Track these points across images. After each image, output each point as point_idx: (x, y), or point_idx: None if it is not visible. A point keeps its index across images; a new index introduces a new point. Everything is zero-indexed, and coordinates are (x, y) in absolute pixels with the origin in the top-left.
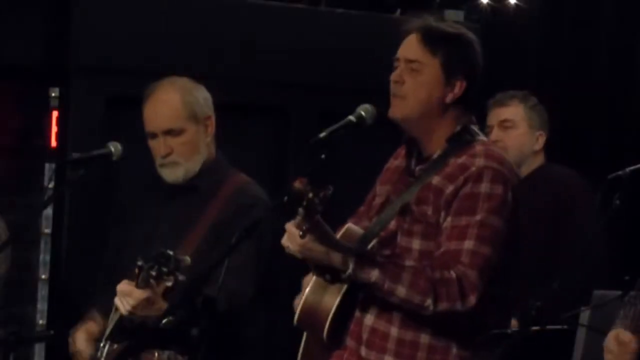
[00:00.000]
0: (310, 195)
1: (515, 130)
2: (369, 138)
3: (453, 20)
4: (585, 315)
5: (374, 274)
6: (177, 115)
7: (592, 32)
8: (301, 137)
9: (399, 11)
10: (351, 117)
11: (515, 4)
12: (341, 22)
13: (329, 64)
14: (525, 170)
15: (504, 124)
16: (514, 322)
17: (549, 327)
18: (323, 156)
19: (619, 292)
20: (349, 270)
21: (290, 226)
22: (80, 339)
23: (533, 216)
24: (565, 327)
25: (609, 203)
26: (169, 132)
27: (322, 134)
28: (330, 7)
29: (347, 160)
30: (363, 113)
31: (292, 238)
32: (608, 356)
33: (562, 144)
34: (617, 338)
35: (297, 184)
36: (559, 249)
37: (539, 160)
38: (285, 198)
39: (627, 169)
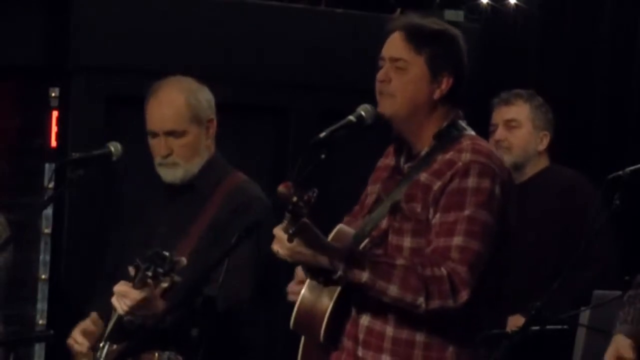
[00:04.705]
0: (295, 199)
1: (520, 130)
2: (368, 138)
3: (453, 20)
4: (585, 315)
5: (365, 274)
6: (181, 117)
7: (592, 32)
8: (301, 137)
9: (399, 11)
10: (351, 117)
11: (515, 4)
12: (341, 22)
13: (329, 64)
14: (529, 171)
15: (509, 124)
16: (519, 319)
17: (549, 327)
18: (323, 156)
19: (619, 292)
20: (339, 272)
21: (277, 230)
22: (78, 336)
23: (541, 217)
24: (565, 327)
25: (609, 203)
26: (171, 133)
27: (322, 134)
28: (330, 7)
29: (347, 160)
30: (363, 113)
31: (281, 242)
32: None
33: (562, 144)
34: (619, 355)
35: (282, 188)
36: (567, 250)
37: (543, 161)
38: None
39: (627, 169)
